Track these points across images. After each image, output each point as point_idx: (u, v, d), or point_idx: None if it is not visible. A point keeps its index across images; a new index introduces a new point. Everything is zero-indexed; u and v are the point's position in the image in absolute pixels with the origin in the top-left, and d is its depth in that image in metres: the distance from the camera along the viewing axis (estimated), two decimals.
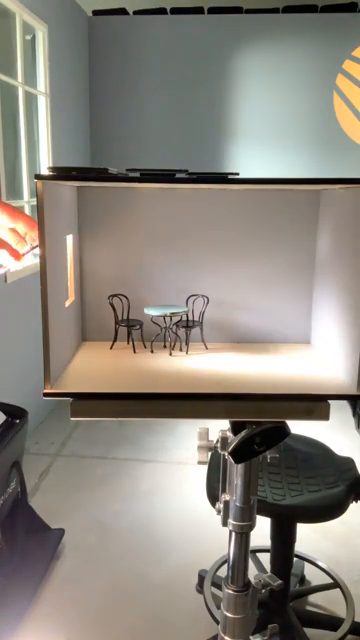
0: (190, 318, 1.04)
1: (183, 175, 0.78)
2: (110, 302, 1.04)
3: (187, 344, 1.02)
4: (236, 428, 0.81)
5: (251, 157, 4.54)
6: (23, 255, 0.87)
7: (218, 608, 1.72)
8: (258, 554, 2.15)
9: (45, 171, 0.74)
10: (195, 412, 0.78)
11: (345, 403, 1.75)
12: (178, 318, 1.03)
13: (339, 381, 0.85)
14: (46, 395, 0.78)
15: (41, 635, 1.88)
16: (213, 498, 1.63)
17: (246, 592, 0.92)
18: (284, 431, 0.79)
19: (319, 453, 1.82)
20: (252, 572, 1.02)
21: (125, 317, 1.05)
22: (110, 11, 4.41)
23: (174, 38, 4.42)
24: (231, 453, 0.80)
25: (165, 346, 1.02)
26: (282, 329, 1.07)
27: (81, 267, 1.05)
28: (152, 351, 1.00)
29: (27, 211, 3.37)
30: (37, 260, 0.76)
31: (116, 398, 0.77)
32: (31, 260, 0.88)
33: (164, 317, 1.01)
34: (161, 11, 4.40)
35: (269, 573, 1.64)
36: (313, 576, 2.16)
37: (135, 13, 4.44)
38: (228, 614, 0.92)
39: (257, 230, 1.04)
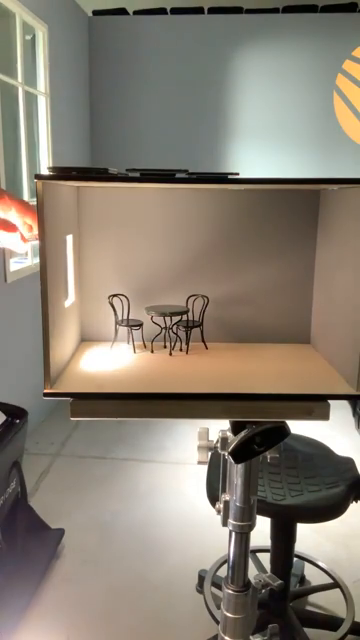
0: (190, 318, 1.04)
1: (183, 175, 0.78)
2: (110, 302, 1.04)
3: (187, 344, 1.02)
4: (236, 428, 0.81)
5: (251, 157, 4.54)
6: (28, 240, 0.89)
7: (218, 608, 1.72)
8: (258, 554, 2.15)
9: (45, 171, 0.74)
10: (195, 412, 0.78)
11: (345, 403, 1.75)
12: (178, 318, 1.03)
13: (339, 381, 0.85)
14: (46, 395, 0.78)
15: (41, 635, 1.88)
16: (213, 498, 1.63)
17: (246, 592, 0.92)
18: (284, 431, 0.79)
19: (319, 453, 1.82)
20: (252, 572, 1.02)
21: (125, 317, 1.05)
22: (110, 11, 4.41)
23: (174, 38, 4.42)
24: (231, 453, 0.80)
25: (165, 346, 1.02)
26: (282, 329, 1.07)
27: (81, 267, 1.05)
28: (152, 351, 1.00)
29: None
30: (37, 260, 0.76)
31: (116, 398, 0.77)
32: (34, 249, 0.90)
33: (164, 317, 1.01)
34: (161, 11, 4.40)
35: (269, 573, 1.64)
36: (313, 576, 2.16)
37: (135, 13, 4.44)
38: (228, 614, 0.92)
39: (257, 230, 1.04)
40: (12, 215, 0.89)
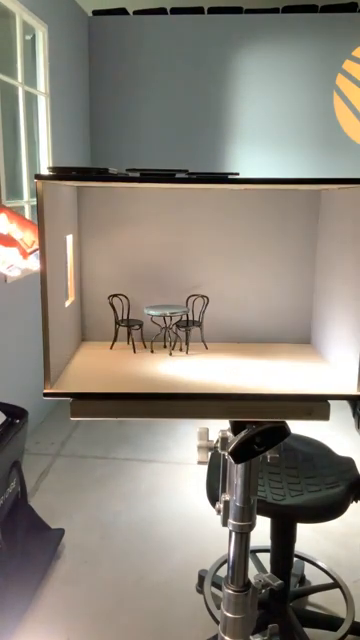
0: (190, 318, 1.04)
1: (183, 175, 0.78)
2: (110, 302, 1.04)
3: (187, 344, 1.02)
4: (236, 428, 0.81)
5: (251, 157, 4.54)
6: (29, 254, 0.89)
7: (218, 608, 1.72)
8: (258, 554, 2.15)
9: (45, 171, 0.74)
10: (195, 412, 0.78)
11: (345, 403, 1.75)
12: (178, 318, 1.03)
13: (339, 381, 0.85)
14: (46, 395, 0.78)
15: (41, 635, 1.88)
16: (213, 498, 1.63)
17: (246, 592, 0.92)
18: (284, 431, 0.79)
19: (319, 453, 1.82)
20: (252, 572, 1.02)
21: (125, 317, 1.05)
22: (110, 11, 4.41)
23: (174, 38, 4.42)
24: (231, 453, 0.80)
25: (165, 346, 1.02)
26: (282, 329, 1.07)
27: (81, 267, 1.05)
28: (152, 351, 1.00)
29: (27, 211, 3.37)
30: (37, 260, 0.76)
31: (116, 398, 0.77)
32: (36, 263, 0.90)
33: (164, 317, 1.01)
34: (161, 11, 4.40)
35: (269, 573, 1.64)
36: (313, 576, 2.16)
37: (135, 13, 4.44)
38: (228, 614, 0.92)
39: (257, 230, 1.04)
40: (13, 229, 0.89)
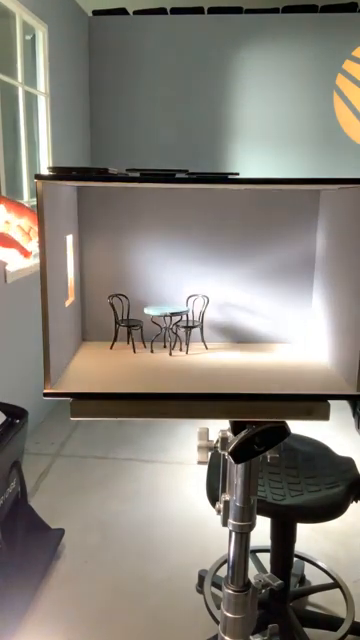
0: (190, 318, 1.04)
1: (183, 175, 0.78)
2: (110, 302, 1.04)
3: (187, 344, 1.02)
4: (236, 428, 0.81)
5: (251, 157, 4.54)
6: (31, 253, 0.89)
7: (218, 608, 1.72)
8: (258, 554, 2.15)
9: (45, 171, 0.74)
10: (195, 412, 0.78)
11: (345, 403, 1.76)
12: (178, 318, 1.03)
13: (339, 381, 0.85)
14: (46, 395, 0.78)
15: (41, 635, 1.88)
16: (213, 498, 1.63)
17: (246, 592, 0.92)
18: (284, 431, 0.79)
19: (319, 453, 1.82)
20: (252, 572, 1.02)
21: (125, 317, 1.05)
22: (110, 11, 4.41)
23: (174, 38, 4.42)
24: (231, 453, 0.80)
25: (165, 346, 1.02)
26: (282, 329, 1.07)
27: (81, 267, 1.05)
28: (152, 351, 1.00)
29: None
30: (37, 260, 0.76)
31: (116, 398, 0.77)
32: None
33: (164, 317, 1.01)
34: (161, 11, 4.40)
35: (269, 573, 1.64)
36: (313, 576, 2.16)
37: (135, 13, 4.44)
38: (228, 614, 0.92)
39: (257, 230, 1.04)
40: (11, 218, 0.89)
